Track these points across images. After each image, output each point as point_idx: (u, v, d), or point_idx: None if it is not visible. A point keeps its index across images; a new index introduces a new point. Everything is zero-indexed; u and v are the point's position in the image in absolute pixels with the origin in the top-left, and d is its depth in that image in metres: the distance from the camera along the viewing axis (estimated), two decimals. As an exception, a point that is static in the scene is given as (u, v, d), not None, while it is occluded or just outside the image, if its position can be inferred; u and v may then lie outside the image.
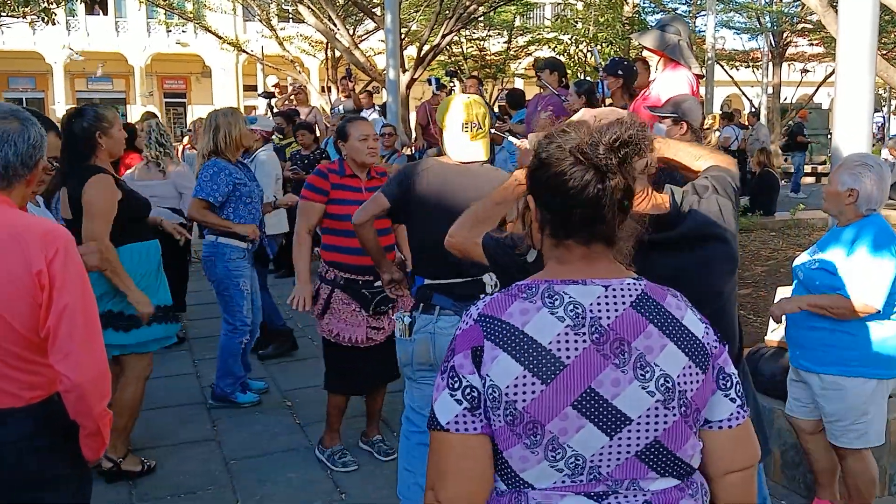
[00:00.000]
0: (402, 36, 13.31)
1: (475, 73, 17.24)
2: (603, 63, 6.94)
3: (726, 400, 1.59)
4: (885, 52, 18.16)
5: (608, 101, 6.25)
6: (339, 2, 16.41)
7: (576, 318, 1.50)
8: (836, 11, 4.42)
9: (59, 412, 2.18)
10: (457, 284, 3.35)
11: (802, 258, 3.61)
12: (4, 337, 2.10)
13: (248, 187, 5.05)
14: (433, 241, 3.34)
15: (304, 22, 15.61)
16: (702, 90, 7.23)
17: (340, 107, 12.29)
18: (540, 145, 1.57)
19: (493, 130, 8.63)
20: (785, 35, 24.61)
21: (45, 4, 14.69)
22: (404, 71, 13.03)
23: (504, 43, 22.82)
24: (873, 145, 12.84)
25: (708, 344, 1.57)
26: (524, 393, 1.47)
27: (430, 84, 10.08)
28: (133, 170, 6.60)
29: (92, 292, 2.20)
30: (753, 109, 24.33)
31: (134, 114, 29.49)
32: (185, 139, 12.23)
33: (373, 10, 15.77)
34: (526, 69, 24.45)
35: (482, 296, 3.37)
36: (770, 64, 24.65)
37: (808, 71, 28.50)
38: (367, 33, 20.17)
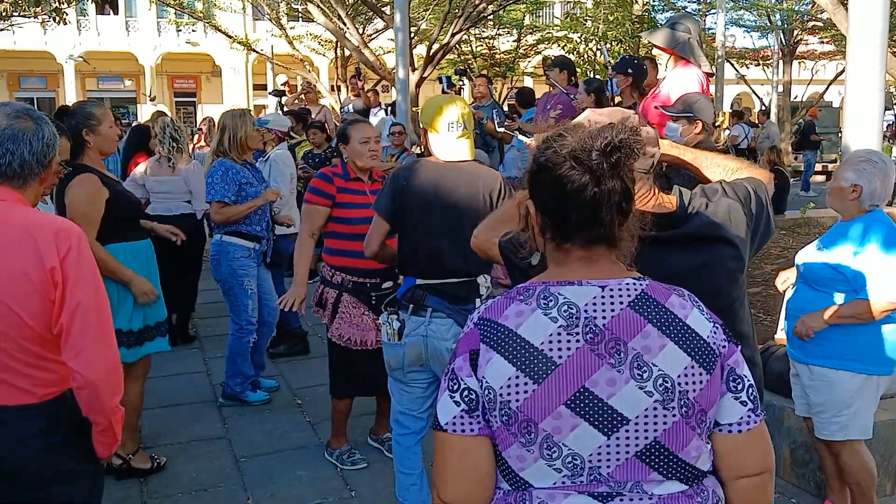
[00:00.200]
0: (412, 35, 13.33)
1: (484, 72, 17.22)
2: (612, 62, 6.93)
3: (736, 403, 1.57)
4: (895, 49, 18.03)
5: (617, 99, 6.25)
6: (349, 1, 16.43)
7: (569, 318, 1.51)
8: (847, 9, 4.41)
9: (71, 408, 2.21)
10: (450, 285, 3.35)
11: (806, 254, 3.61)
12: (19, 333, 2.12)
13: (255, 188, 5.07)
14: (428, 241, 3.36)
15: (313, 21, 15.65)
16: (712, 88, 7.22)
17: (350, 105, 12.32)
18: (538, 149, 1.58)
19: (502, 129, 8.64)
20: (795, 33, 24.54)
21: (57, 4, 14.77)
22: (414, 70, 13.04)
23: (513, 41, 22.82)
24: (884, 143, 12.78)
25: (714, 344, 1.54)
26: (517, 393, 1.49)
27: (440, 82, 10.07)
28: (145, 165, 6.64)
29: (104, 289, 2.22)
30: (764, 108, 24.26)
31: (144, 113, 29.61)
32: (196, 138, 12.26)
33: (382, 9, 15.79)
34: (535, 68, 24.43)
35: (476, 298, 3.41)
36: (780, 62, 24.57)
37: (819, 70, 28.38)
38: (376, 32, 20.21)
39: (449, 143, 3.40)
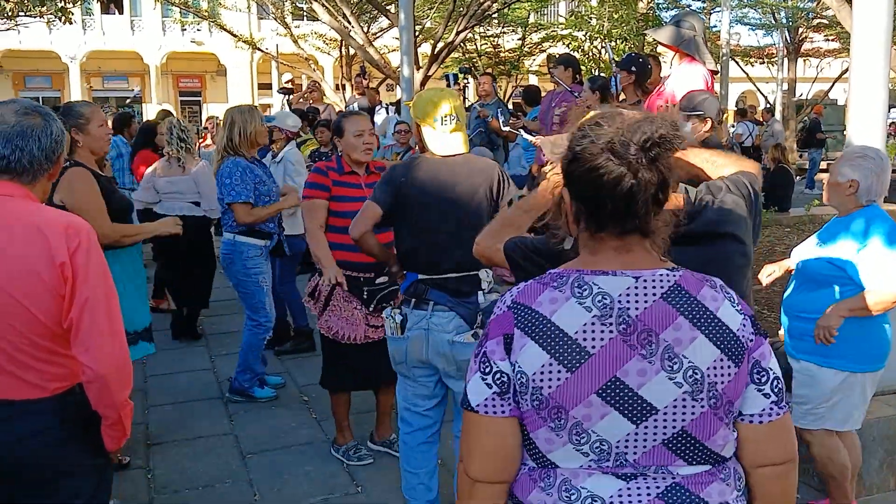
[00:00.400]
0: (417, 33, 13.32)
1: (489, 70, 17.21)
2: (617, 59, 6.93)
3: (759, 395, 1.59)
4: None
5: (621, 96, 6.26)
6: (354, -1, 16.45)
7: (603, 308, 1.53)
8: (851, 6, 4.41)
9: (81, 403, 2.23)
10: (452, 279, 3.36)
11: (803, 251, 3.62)
12: (30, 328, 2.14)
13: (266, 186, 5.11)
14: (429, 236, 3.38)
15: (318, 20, 15.66)
16: (717, 86, 7.22)
17: (355, 104, 12.33)
18: (574, 138, 1.59)
19: (507, 127, 8.65)
20: (800, 31, 24.49)
21: (62, 3, 14.81)
22: (419, 68, 13.05)
23: (518, 40, 22.79)
24: (890, 141, 12.71)
25: (743, 337, 1.56)
26: (549, 380, 1.52)
27: (447, 80, 10.09)
28: (155, 166, 6.69)
29: (113, 284, 2.24)
30: (768, 106, 24.22)
31: (149, 112, 29.69)
32: (201, 137, 12.30)
33: (387, 8, 15.79)
34: (540, 66, 24.40)
35: (479, 292, 3.43)
36: (785, 60, 24.54)
37: (824, 68, 28.32)
38: (381, 31, 20.22)
39: (443, 137, 3.41)
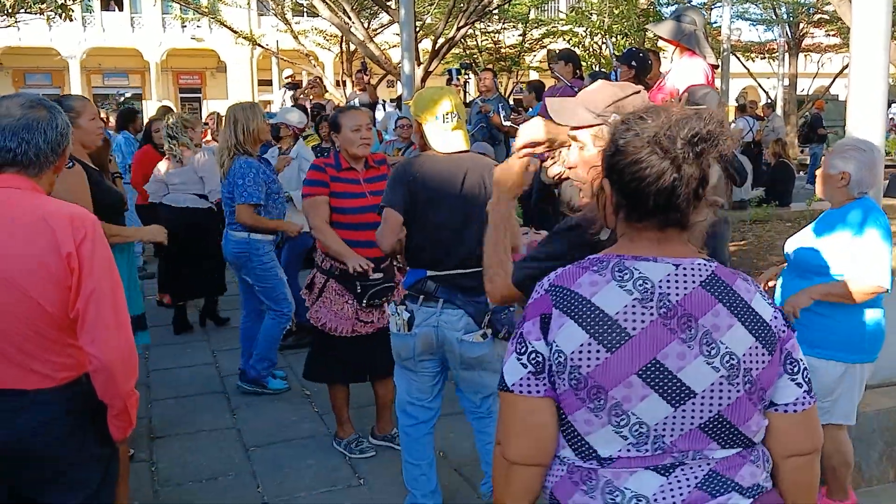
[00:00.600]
0: (417, 29, 13.31)
1: (490, 66, 17.23)
2: (617, 54, 6.94)
3: (793, 384, 1.63)
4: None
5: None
6: (354, -5, 16.44)
7: (644, 292, 1.56)
8: (851, 1, 4.42)
9: (87, 393, 2.25)
10: (461, 276, 3.36)
11: (796, 242, 3.65)
12: (37, 319, 2.16)
13: (276, 184, 5.17)
14: (437, 233, 3.39)
15: (318, 16, 15.65)
16: (717, 82, 7.23)
17: (356, 100, 12.33)
18: (616, 131, 1.60)
19: (508, 123, 8.66)
20: (801, 26, 24.48)
21: (62, 0, 14.79)
22: (419, 64, 13.05)
23: (519, 36, 22.79)
24: (887, 137, 12.68)
25: (776, 327, 1.61)
26: (588, 359, 1.54)
27: (449, 75, 10.10)
28: (158, 166, 6.80)
29: (118, 275, 2.26)
30: (769, 101, 24.20)
31: (150, 109, 29.69)
32: (201, 132, 12.29)
33: (387, 4, 15.78)
34: (541, 62, 24.40)
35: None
36: (786, 55, 24.52)
37: (825, 63, 28.29)
38: (381, 27, 20.22)
39: (445, 134, 3.42)
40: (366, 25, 16.44)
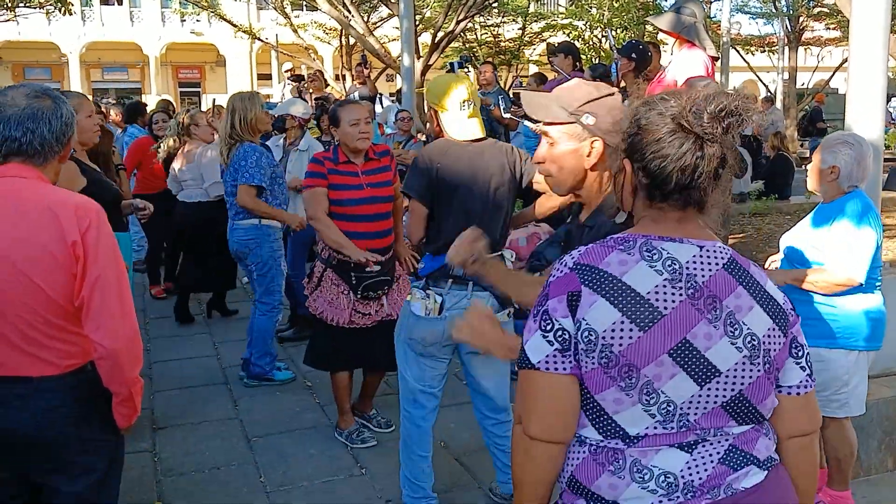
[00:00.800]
0: (417, 23, 13.31)
1: (490, 59, 17.21)
2: (618, 46, 6.95)
3: (797, 368, 1.69)
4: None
5: (622, 84, 6.27)
6: (353, -11, 16.40)
7: (673, 272, 1.58)
8: (851, -8, 4.43)
9: (92, 380, 2.27)
10: None
11: (790, 236, 3.69)
12: (44, 307, 2.18)
13: (279, 168, 5.20)
14: (464, 219, 3.39)
15: (318, 9, 15.65)
16: (717, 76, 7.24)
17: (356, 93, 12.33)
18: (638, 112, 1.62)
19: (508, 115, 8.67)
20: (801, 19, 24.42)
21: (61, -6, 14.78)
22: (419, 57, 13.06)
23: (518, 29, 22.77)
24: (887, 132, 12.68)
25: (788, 311, 1.66)
26: (621, 338, 1.55)
27: (450, 68, 10.10)
28: (174, 165, 6.90)
29: (123, 263, 2.28)
30: (769, 95, 24.19)
31: (149, 103, 29.64)
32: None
33: (387, -3, 15.80)
34: (540, 55, 24.38)
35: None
36: (786, 48, 24.49)
37: (824, 57, 28.27)
38: (381, 20, 20.20)
39: (463, 121, 3.44)
40: (365, 19, 16.42)
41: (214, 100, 10.62)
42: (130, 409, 2.34)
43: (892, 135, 20.39)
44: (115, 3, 34.71)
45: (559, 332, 1.58)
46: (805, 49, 27.87)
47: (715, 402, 1.59)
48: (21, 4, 15.94)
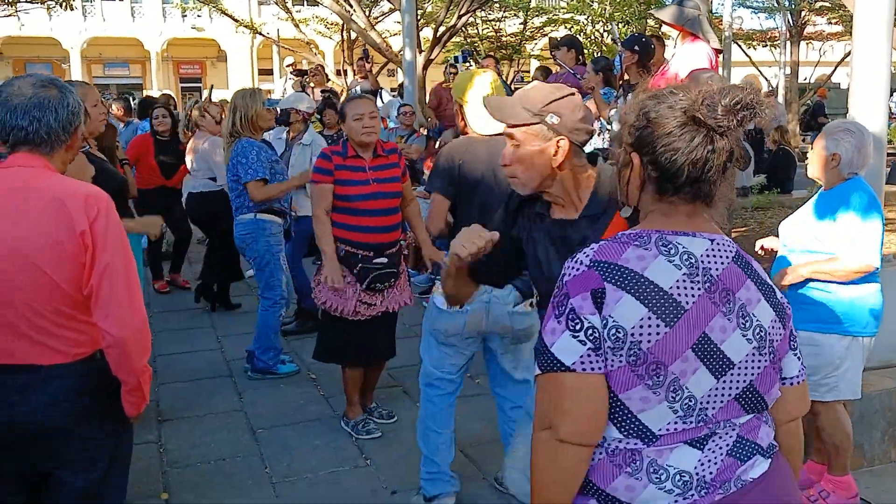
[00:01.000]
0: (418, 17, 13.29)
1: (491, 54, 17.20)
2: (621, 39, 6.95)
3: (794, 358, 1.73)
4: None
5: (624, 76, 6.27)
6: (355, -17, 16.38)
7: (690, 266, 1.58)
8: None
9: (101, 369, 2.28)
10: None
11: (789, 223, 3.71)
12: (53, 296, 2.19)
13: (280, 164, 5.21)
14: (483, 214, 3.41)
15: (319, 4, 15.63)
16: (719, 70, 7.23)
17: (357, 88, 12.32)
18: (646, 105, 1.62)
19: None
20: (803, 13, 24.37)
21: (63, -11, 14.77)
22: (420, 52, 13.05)
23: (520, 24, 22.74)
24: (890, 125, 12.68)
25: (785, 304, 1.69)
26: (649, 334, 1.53)
27: (455, 61, 10.13)
28: (187, 158, 6.96)
29: (131, 252, 2.29)
30: (771, 89, 24.15)
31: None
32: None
33: (388, -8, 15.77)
34: (542, 50, 24.36)
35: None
36: (788, 43, 24.44)
37: (826, 51, 28.22)
38: (382, 15, 20.17)
39: (485, 116, 3.45)
40: (367, 13, 16.39)
41: (213, 86, 10.60)
42: (139, 397, 2.35)
43: (895, 129, 20.36)
44: (116, -1, 34.72)
45: (590, 331, 1.54)
46: (807, 43, 27.81)
47: (729, 395, 1.61)
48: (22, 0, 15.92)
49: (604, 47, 16.07)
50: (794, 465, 1.77)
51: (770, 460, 1.67)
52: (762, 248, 3.97)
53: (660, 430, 1.58)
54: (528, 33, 22.69)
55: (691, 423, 1.59)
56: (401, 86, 11.66)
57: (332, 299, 4.27)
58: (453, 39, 17.25)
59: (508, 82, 19.08)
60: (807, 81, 25.65)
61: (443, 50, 15.00)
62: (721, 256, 1.62)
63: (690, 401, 1.58)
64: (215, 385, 5.29)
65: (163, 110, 7.87)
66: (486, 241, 2.11)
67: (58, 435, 2.27)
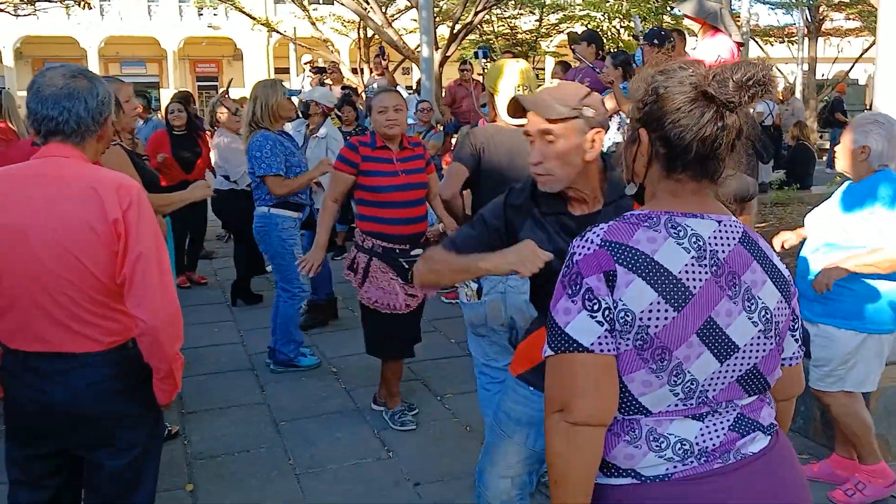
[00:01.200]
0: (434, 14, 13.29)
1: (507, 52, 17.18)
2: (644, 31, 6.92)
3: (792, 339, 1.73)
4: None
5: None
6: (372, -19, 16.40)
7: (699, 250, 1.57)
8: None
9: (134, 357, 2.31)
10: None
11: (817, 216, 3.67)
12: (88, 285, 2.22)
13: (296, 157, 5.20)
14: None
15: (336, 2, 15.66)
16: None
17: (374, 84, 12.35)
18: (656, 80, 1.61)
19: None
20: (821, 9, 24.23)
21: (81, -12, 14.85)
22: (437, 49, 13.05)
23: (535, 21, 22.69)
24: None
25: (790, 282, 1.68)
26: (657, 319, 1.52)
27: (477, 56, 10.15)
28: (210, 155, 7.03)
29: (163, 240, 2.31)
30: (788, 85, 24.02)
31: (165, 98, 29.78)
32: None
33: (405, -11, 15.78)
34: (557, 47, 24.31)
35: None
36: (805, 39, 24.30)
37: (844, 47, 28.02)
38: (398, 12, 20.17)
39: None
40: (383, 11, 16.41)
41: (232, 79, 10.66)
42: (171, 385, 2.37)
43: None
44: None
45: (607, 312, 1.53)
46: (825, 40, 27.65)
47: (731, 377, 1.60)
48: (40, -1, 16.04)
49: (620, 43, 16.00)
50: None
51: (770, 437, 1.68)
52: (783, 244, 3.93)
53: (658, 410, 1.59)
54: (543, 30, 22.63)
55: (692, 403, 1.60)
56: (418, 83, 11.67)
57: (382, 298, 4.27)
58: (469, 37, 17.26)
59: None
60: (824, 78, 25.51)
61: (459, 47, 15.01)
62: (728, 238, 1.60)
63: (692, 384, 1.58)
64: (237, 378, 5.32)
65: (178, 105, 7.92)
66: (545, 263, 2.12)
67: (91, 420, 2.30)
